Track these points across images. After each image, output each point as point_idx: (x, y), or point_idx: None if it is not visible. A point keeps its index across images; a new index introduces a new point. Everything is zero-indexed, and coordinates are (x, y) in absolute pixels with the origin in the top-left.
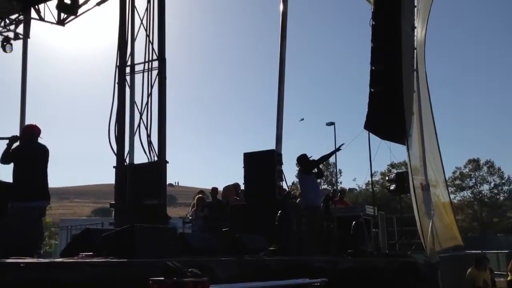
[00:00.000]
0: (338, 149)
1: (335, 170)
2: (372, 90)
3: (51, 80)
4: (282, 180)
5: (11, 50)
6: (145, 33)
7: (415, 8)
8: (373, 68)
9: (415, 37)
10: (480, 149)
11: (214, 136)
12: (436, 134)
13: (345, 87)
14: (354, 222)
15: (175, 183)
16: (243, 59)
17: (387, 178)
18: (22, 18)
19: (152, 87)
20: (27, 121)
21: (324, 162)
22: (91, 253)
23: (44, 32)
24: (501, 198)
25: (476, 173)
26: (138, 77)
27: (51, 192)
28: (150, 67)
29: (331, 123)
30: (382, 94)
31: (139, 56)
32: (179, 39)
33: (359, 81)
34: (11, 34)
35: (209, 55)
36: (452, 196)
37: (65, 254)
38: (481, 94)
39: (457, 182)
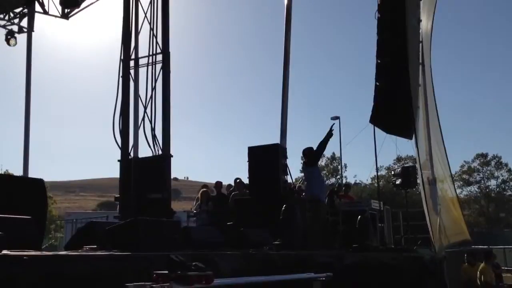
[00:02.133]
0: (330, 131)
1: (339, 164)
2: (377, 83)
3: (55, 73)
4: (286, 174)
5: (15, 43)
6: (149, 26)
7: (421, 1)
8: (379, 61)
9: (420, 30)
10: (488, 144)
11: (218, 130)
12: (440, 128)
13: (350, 81)
14: (359, 217)
15: (185, 178)
16: (248, 53)
17: (392, 173)
18: (26, 12)
19: (156, 80)
20: (32, 115)
21: (327, 157)
22: (95, 246)
23: (48, 25)
24: (508, 193)
25: (484, 168)
26: (142, 71)
27: (57, 186)
28: (154, 60)
29: (336, 117)
30: (388, 88)
31: (143, 50)
32: (183, 32)
33: (364, 75)
34: (15, 28)
35: (214, 49)
36: (459, 190)
37: (69, 247)
38: (491, 89)
39: (465, 176)
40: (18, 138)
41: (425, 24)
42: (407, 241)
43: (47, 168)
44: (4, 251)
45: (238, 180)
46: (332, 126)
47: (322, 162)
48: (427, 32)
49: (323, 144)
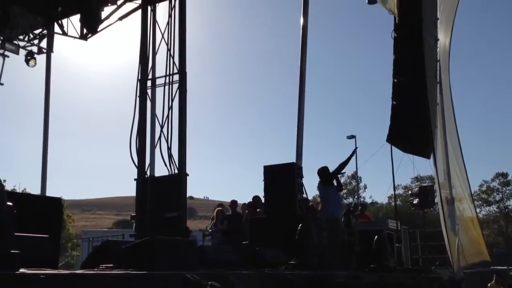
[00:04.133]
0: (353, 153)
1: (357, 183)
2: (394, 103)
3: (73, 93)
4: (302, 193)
5: (35, 64)
6: (166, 47)
7: (438, 20)
8: (395, 80)
9: (438, 49)
10: (509, 163)
11: (233, 149)
12: (460, 147)
13: (366, 100)
14: (376, 237)
15: (205, 197)
16: (263, 72)
17: (410, 192)
18: (46, 33)
19: (172, 100)
20: (50, 135)
21: (347, 176)
22: (111, 265)
23: (67, 46)
24: None
25: (504, 188)
26: (159, 91)
27: (74, 204)
28: (171, 80)
29: (352, 136)
30: (405, 107)
31: (160, 70)
32: (200, 52)
33: (380, 94)
34: (34, 49)
35: (229, 68)
36: (477, 210)
37: (86, 265)
38: (511, 108)
39: (484, 196)
40: (37, 157)
41: (442, 42)
42: (425, 261)
43: (64, 187)
44: (21, 270)
45: (249, 202)
46: (355, 150)
47: (341, 180)
48: (445, 50)
49: (342, 165)
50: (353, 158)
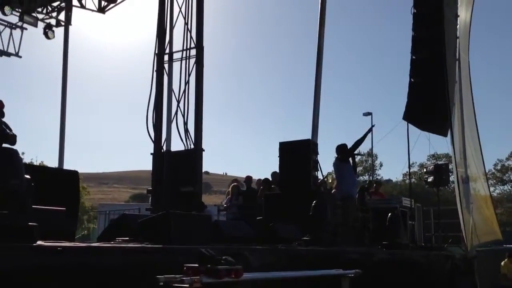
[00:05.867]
0: (370, 130)
1: (372, 161)
2: (412, 80)
3: (91, 66)
4: (317, 170)
5: (53, 36)
6: (183, 21)
7: None
8: (414, 57)
9: (458, 26)
10: None
11: (249, 125)
12: (476, 125)
13: (383, 77)
14: (390, 214)
15: (224, 173)
16: (281, 48)
17: (425, 170)
18: (64, 5)
19: (189, 75)
20: (68, 108)
21: (364, 155)
22: (127, 238)
23: (85, 19)
24: None
25: None
26: (176, 65)
27: (90, 177)
28: (188, 55)
29: (368, 113)
30: (423, 84)
31: (177, 44)
32: (218, 27)
33: (397, 71)
34: (53, 21)
35: (247, 43)
36: (491, 189)
37: (102, 238)
38: None
39: (498, 175)
40: (54, 131)
41: (463, 19)
42: (438, 239)
43: (82, 160)
44: (39, 242)
45: (264, 178)
46: (372, 127)
47: (357, 158)
48: (465, 27)
49: (358, 142)
50: (369, 135)
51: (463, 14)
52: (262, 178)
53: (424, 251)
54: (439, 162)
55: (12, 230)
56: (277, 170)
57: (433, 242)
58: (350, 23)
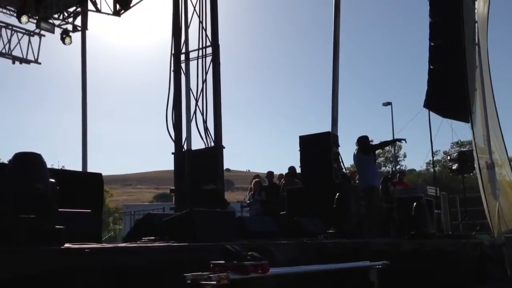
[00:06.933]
0: (399, 140)
1: (395, 151)
2: (431, 67)
3: (109, 70)
4: (338, 162)
5: (71, 41)
6: (198, 20)
7: None
8: (432, 44)
9: (476, 10)
10: None
11: (268, 120)
12: (496, 110)
13: (402, 66)
14: (415, 204)
15: (247, 170)
16: (298, 42)
17: (449, 158)
18: (80, 10)
19: (206, 73)
20: (89, 112)
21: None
22: (153, 238)
23: (101, 25)
24: None
25: None
26: (193, 64)
27: (114, 179)
28: (204, 53)
29: (388, 103)
30: (443, 71)
31: (193, 43)
32: (232, 24)
33: (416, 58)
34: (69, 27)
35: (263, 39)
36: None
37: (128, 239)
38: None
39: None
40: (75, 135)
41: (481, 3)
42: (465, 227)
43: (104, 163)
44: (66, 244)
45: (287, 172)
46: (402, 140)
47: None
48: (484, 11)
49: (385, 144)
50: (388, 124)
51: (481, 4)
52: (284, 173)
53: (452, 239)
54: (463, 149)
55: (39, 233)
56: (299, 164)
57: (461, 230)
58: (365, 13)
